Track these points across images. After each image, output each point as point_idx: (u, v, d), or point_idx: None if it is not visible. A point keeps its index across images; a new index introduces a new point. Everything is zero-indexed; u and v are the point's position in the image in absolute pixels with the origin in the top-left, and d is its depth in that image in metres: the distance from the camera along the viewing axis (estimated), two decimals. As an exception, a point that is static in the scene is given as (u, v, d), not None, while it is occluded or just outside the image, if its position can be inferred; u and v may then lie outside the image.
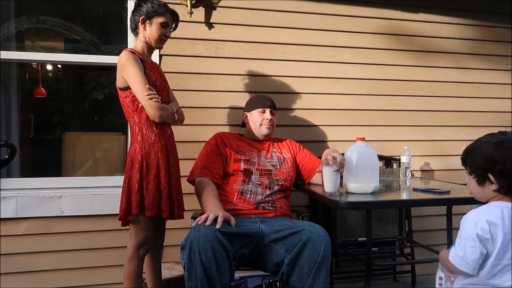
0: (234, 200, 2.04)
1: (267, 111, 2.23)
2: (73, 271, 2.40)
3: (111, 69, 2.19)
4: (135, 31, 1.95)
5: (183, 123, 2.14)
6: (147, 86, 1.79)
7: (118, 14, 2.94)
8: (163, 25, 1.91)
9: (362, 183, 1.95)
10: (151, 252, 1.96)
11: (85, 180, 2.58)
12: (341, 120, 2.81)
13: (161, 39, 1.93)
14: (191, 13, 2.48)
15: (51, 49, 3.82)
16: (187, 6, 2.47)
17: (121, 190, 1.85)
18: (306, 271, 1.71)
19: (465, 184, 1.43)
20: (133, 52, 1.86)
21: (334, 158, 1.90)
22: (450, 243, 2.29)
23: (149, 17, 1.89)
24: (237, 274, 2.27)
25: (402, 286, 2.78)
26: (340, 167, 1.91)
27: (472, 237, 1.21)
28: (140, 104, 1.82)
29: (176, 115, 1.96)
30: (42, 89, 4.14)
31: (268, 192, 2.08)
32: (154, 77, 1.90)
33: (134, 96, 1.82)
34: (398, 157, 2.69)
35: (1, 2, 2.80)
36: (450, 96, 3.01)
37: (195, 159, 2.18)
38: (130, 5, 2.20)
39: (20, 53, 2.84)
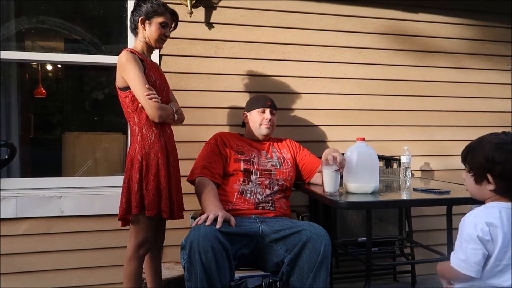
0: (234, 200, 2.04)
1: (267, 111, 2.23)
2: (73, 271, 2.40)
3: (111, 69, 2.19)
4: (135, 31, 1.95)
5: (183, 123, 2.14)
6: (146, 86, 1.79)
7: (118, 14, 2.94)
8: (163, 25, 1.91)
9: (362, 183, 1.95)
10: (151, 252, 1.96)
11: (85, 180, 2.58)
12: (341, 120, 2.81)
13: (161, 39, 1.93)
14: (191, 13, 2.48)
15: (51, 49, 3.82)
16: (187, 6, 2.47)
17: (121, 190, 1.85)
18: (306, 271, 1.71)
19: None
20: (132, 52, 1.86)
21: (334, 158, 1.90)
22: (450, 243, 2.29)
23: (148, 17, 1.89)
24: (237, 274, 2.26)
25: (402, 286, 2.78)
26: (340, 167, 1.91)
27: (473, 239, 1.21)
28: (140, 104, 1.82)
29: (176, 115, 1.96)
30: (42, 89, 4.14)
31: (268, 192, 2.08)
32: (154, 77, 1.90)
33: (134, 96, 1.82)
34: (398, 157, 2.69)
35: (1, 2, 2.80)
36: (450, 96, 3.01)
37: (195, 159, 2.18)
38: (130, 5, 2.20)
39: (20, 53, 2.84)
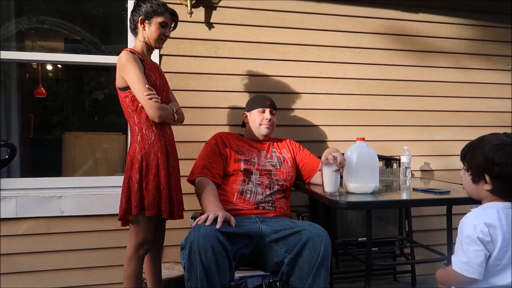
0: (234, 200, 2.04)
1: (267, 111, 2.23)
2: (73, 271, 2.40)
3: (111, 69, 2.19)
4: (135, 31, 1.95)
5: (183, 123, 2.14)
6: (146, 86, 1.79)
7: (118, 14, 2.94)
8: (162, 25, 1.91)
9: (362, 183, 1.95)
10: (151, 252, 1.96)
11: (85, 180, 2.58)
12: (341, 120, 2.81)
13: (161, 39, 1.93)
14: (191, 13, 2.48)
15: (51, 49, 3.83)
16: (187, 6, 2.47)
17: (121, 190, 1.85)
18: (306, 271, 1.71)
19: None
20: (132, 52, 1.86)
21: (335, 158, 1.91)
22: (450, 243, 2.29)
23: (148, 17, 1.89)
24: (237, 274, 2.26)
25: (402, 286, 2.78)
26: (340, 167, 1.91)
27: (474, 241, 1.20)
28: (139, 104, 1.82)
29: (176, 115, 1.96)
30: (42, 89, 4.15)
31: (268, 192, 2.08)
32: (154, 77, 1.90)
33: (133, 96, 1.82)
34: (398, 157, 2.69)
35: (1, 2, 2.80)
36: (450, 96, 3.01)
37: (195, 159, 2.18)
38: (130, 5, 2.20)
39: (20, 53, 2.84)
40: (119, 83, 1.86)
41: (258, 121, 2.22)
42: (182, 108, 2.09)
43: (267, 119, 2.22)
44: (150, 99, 1.78)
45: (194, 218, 1.83)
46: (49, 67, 4.41)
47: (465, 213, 1.30)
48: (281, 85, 2.71)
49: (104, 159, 3.60)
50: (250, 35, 2.65)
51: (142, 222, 1.85)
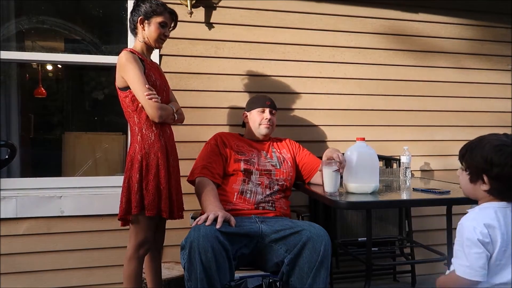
0: (234, 200, 2.04)
1: (267, 110, 2.23)
2: (73, 271, 2.40)
3: (111, 69, 2.19)
4: (134, 31, 1.95)
5: (183, 123, 2.15)
6: (146, 86, 1.79)
7: (118, 14, 2.94)
8: (162, 25, 1.91)
9: (362, 183, 1.95)
10: (151, 252, 1.96)
11: (85, 180, 2.58)
12: (341, 120, 2.81)
13: (160, 39, 1.93)
14: (191, 13, 2.48)
15: (51, 49, 3.83)
16: (187, 6, 2.47)
17: (121, 190, 1.85)
18: (306, 271, 1.71)
19: None
20: (132, 52, 1.86)
21: (339, 158, 1.91)
22: (450, 243, 2.29)
23: (147, 17, 1.89)
24: (237, 274, 2.26)
25: (402, 286, 2.78)
26: (341, 167, 1.91)
27: (475, 243, 1.20)
28: (140, 104, 1.82)
29: (176, 115, 1.96)
30: (42, 89, 4.14)
31: (268, 192, 2.08)
32: (154, 77, 1.90)
33: (133, 96, 1.82)
34: (398, 157, 2.69)
35: (1, 2, 2.80)
36: (450, 96, 3.01)
37: (195, 159, 2.18)
38: (130, 5, 2.20)
39: (20, 53, 2.84)
40: (119, 83, 1.86)
41: (258, 120, 2.23)
42: (182, 108, 2.09)
43: (266, 118, 2.22)
44: (150, 99, 1.78)
45: (194, 218, 1.83)
46: (49, 67, 4.40)
47: (465, 213, 1.30)
48: (281, 85, 2.71)
49: (104, 159, 3.59)
50: (250, 35, 2.65)
51: (142, 222, 1.85)
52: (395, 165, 2.76)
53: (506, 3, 3.04)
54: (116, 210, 1.87)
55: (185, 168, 2.16)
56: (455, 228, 1.31)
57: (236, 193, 2.05)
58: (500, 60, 3.10)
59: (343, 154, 1.98)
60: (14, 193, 2.34)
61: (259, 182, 2.09)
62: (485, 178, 1.25)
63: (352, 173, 1.94)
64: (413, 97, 2.95)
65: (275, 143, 2.31)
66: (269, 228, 1.86)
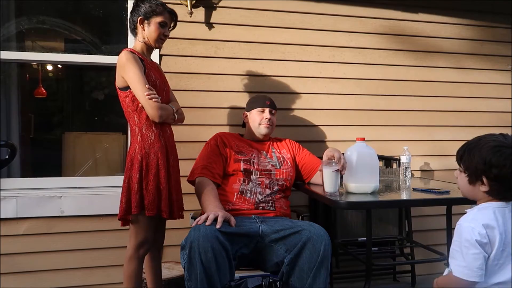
0: (234, 200, 2.04)
1: (266, 110, 2.23)
2: (73, 271, 2.40)
3: (111, 69, 2.19)
4: (134, 31, 1.95)
5: (183, 123, 2.15)
6: (147, 86, 1.79)
7: (118, 14, 2.94)
8: (162, 25, 1.91)
9: (362, 183, 1.95)
10: (151, 252, 1.96)
11: (85, 180, 2.58)
12: (341, 120, 2.81)
13: (160, 39, 1.93)
14: (191, 13, 2.48)
15: (51, 49, 3.82)
16: (187, 6, 2.47)
17: (121, 190, 1.85)
18: (306, 271, 1.71)
19: None
20: (132, 52, 1.86)
21: (339, 159, 1.91)
22: (450, 243, 2.29)
23: (147, 17, 1.89)
24: (237, 274, 2.26)
25: (402, 286, 2.78)
26: (342, 169, 1.91)
27: (473, 244, 1.20)
28: (140, 104, 1.82)
29: (176, 115, 1.96)
30: (42, 89, 4.14)
31: (268, 192, 2.08)
32: (154, 77, 1.90)
33: (134, 96, 1.82)
34: (398, 157, 2.69)
35: (1, 2, 2.80)
36: (450, 96, 3.01)
37: (195, 159, 2.18)
38: (130, 5, 2.20)
39: (20, 53, 2.84)
40: (119, 83, 1.86)
41: (258, 120, 2.23)
42: (182, 108, 2.09)
43: (266, 118, 2.22)
44: (150, 99, 1.78)
45: (194, 218, 1.83)
46: (49, 67, 4.40)
47: (464, 213, 1.30)
48: (281, 85, 2.71)
49: (104, 159, 3.59)
50: (250, 35, 2.65)
51: (142, 222, 1.85)
52: (395, 165, 2.77)
53: (506, 3, 3.05)
54: (116, 210, 1.87)
55: (185, 168, 2.16)
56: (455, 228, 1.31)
57: (236, 193, 2.05)
58: (500, 60, 3.10)
59: (342, 154, 1.98)
60: (14, 193, 2.34)
61: (259, 182, 2.09)
62: (484, 180, 1.25)
63: (352, 173, 1.95)
64: (413, 97, 2.95)
65: (275, 143, 2.31)
66: (269, 228, 1.87)
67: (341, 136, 2.77)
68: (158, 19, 1.90)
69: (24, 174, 3.13)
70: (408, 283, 2.77)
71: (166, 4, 1.96)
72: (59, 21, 3.53)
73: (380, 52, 2.88)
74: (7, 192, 2.34)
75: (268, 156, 2.22)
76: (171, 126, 2.01)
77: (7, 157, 1.58)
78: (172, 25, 2.01)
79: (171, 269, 2.34)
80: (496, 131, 1.32)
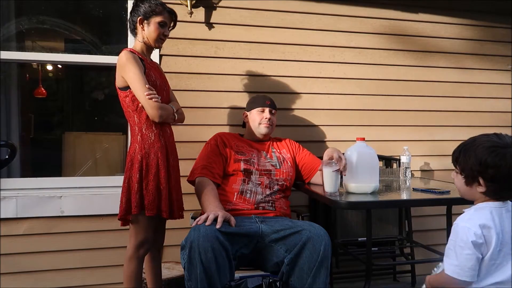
0: (234, 200, 2.04)
1: (266, 110, 2.24)
2: (73, 271, 2.40)
3: (111, 69, 2.19)
4: (134, 31, 1.95)
5: (183, 123, 2.14)
6: (147, 86, 1.79)
7: (118, 14, 2.94)
8: (161, 24, 1.91)
9: (362, 183, 1.95)
10: (151, 252, 1.96)
11: (85, 180, 2.58)
12: (341, 120, 2.81)
13: (160, 39, 1.93)
14: (191, 13, 2.48)
15: (51, 49, 3.82)
16: (187, 6, 2.47)
17: (121, 190, 1.85)
18: (306, 271, 1.71)
19: None
20: (132, 52, 1.86)
21: (340, 159, 1.91)
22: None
23: (146, 17, 1.89)
24: (237, 274, 2.26)
25: (402, 286, 2.78)
26: (344, 170, 1.91)
27: (468, 245, 1.20)
28: (140, 104, 1.82)
29: (176, 115, 1.96)
30: (42, 89, 4.14)
31: (268, 192, 2.08)
32: (154, 77, 1.90)
33: (134, 95, 1.82)
34: (398, 157, 2.69)
35: (1, 2, 2.80)
36: (450, 96, 3.01)
37: (195, 159, 2.18)
38: (130, 5, 2.21)
39: (20, 53, 2.84)
40: (119, 83, 1.86)
41: (258, 120, 2.23)
42: (182, 108, 2.08)
43: (266, 118, 2.22)
44: (151, 99, 1.78)
45: (194, 218, 1.83)
46: (49, 67, 4.40)
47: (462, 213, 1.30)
48: (281, 85, 2.71)
49: (104, 159, 3.59)
50: (250, 35, 2.65)
51: (142, 222, 1.85)
52: (395, 165, 2.76)
53: (506, 3, 3.04)
54: (116, 210, 1.87)
55: (185, 168, 2.16)
56: (455, 228, 1.31)
57: (236, 193, 2.05)
58: (500, 60, 3.10)
59: (343, 154, 1.98)
60: (14, 193, 2.34)
61: (259, 182, 2.09)
62: (481, 181, 1.25)
63: (352, 173, 1.95)
64: (413, 97, 2.95)
65: (275, 143, 2.31)
66: (269, 228, 1.87)
67: (341, 136, 2.77)
68: (158, 19, 1.90)
69: (24, 174, 3.13)
70: (408, 283, 2.77)
71: (166, 4, 1.96)
72: (59, 21, 3.52)
73: (380, 52, 2.88)
74: (7, 192, 2.34)
75: (268, 156, 2.22)
76: (171, 126, 2.01)
77: (7, 157, 1.59)
78: (171, 25, 2.01)
79: (171, 269, 2.34)
80: (497, 131, 1.32)
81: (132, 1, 1.97)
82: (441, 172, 2.93)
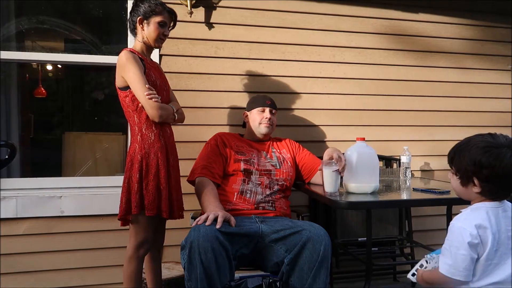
0: (234, 200, 2.04)
1: (267, 110, 2.24)
2: (73, 271, 2.40)
3: (111, 69, 2.19)
4: (134, 31, 1.95)
5: (183, 123, 2.14)
6: (147, 86, 1.79)
7: (118, 14, 2.94)
8: (161, 24, 1.91)
9: (362, 183, 1.95)
10: (151, 252, 1.96)
11: (85, 180, 2.58)
12: (341, 120, 2.81)
13: (160, 39, 1.93)
14: (191, 13, 2.48)
15: (51, 49, 3.82)
16: (187, 6, 2.47)
17: (121, 190, 1.85)
18: (306, 271, 1.71)
19: None
20: (132, 51, 1.86)
21: (340, 159, 1.91)
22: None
23: (146, 17, 1.89)
24: (237, 274, 2.26)
25: (402, 286, 2.78)
26: (342, 170, 1.91)
27: (463, 245, 1.20)
28: (140, 104, 1.82)
29: (176, 115, 1.96)
30: (42, 89, 4.14)
31: (268, 192, 2.08)
32: (154, 77, 1.90)
33: (133, 95, 1.82)
34: (398, 157, 2.69)
35: (1, 2, 2.80)
36: (450, 96, 3.01)
37: (195, 159, 2.18)
38: (130, 5, 2.21)
39: (20, 53, 2.84)
40: (119, 82, 1.86)
41: (258, 120, 2.23)
42: (182, 108, 2.08)
43: (266, 118, 2.22)
44: (150, 99, 1.78)
45: (194, 218, 1.83)
46: (49, 67, 4.40)
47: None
48: (281, 85, 2.71)
49: (104, 159, 3.59)
50: (250, 35, 2.65)
51: (142, 222, 1.85)
52: (395, 165, 2.76)
53: (506, 3, 3.04)
54: (116, 210, 1.87)
55: (185, 168, 2.16)
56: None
57: (236, 193, 2.05)
58: (500, 60, 3.10)
59: (343, 154, 1.98)
60: (14, 193, 2.34)
61: (259, 182, 2.09)
62: (476, 181, 1.25)
63: (352, 173, 1.94)
64: (413, 97, 2.95)
65: (275, 143, 2.31)
66: (269, 228, 1.86)
67: (341, 136, 2.77)
68: (158, 18, 1.90)
69: (24, 174, 3.13)
70: (408, 283, 2.76)
71: (166, 4, 1.96)
72: (59, 21, 3.52)
73: (380, 52, 2.88)
74: (7, 192, 2.34)
75: (268, 156, 2.22)
76: (171, 126, 2.01)
77: (7, 157, 1.58)
78: (171, 24, 2.00)
79: (171, 269, 2.34)
80: (496, 131, 1.32)
81: (132, 1, 1.97)
82: (441, 172, 2.93)
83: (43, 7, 3.39)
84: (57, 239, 2.38)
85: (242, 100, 2.56)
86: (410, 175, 2.53)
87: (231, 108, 2.62)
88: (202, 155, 2.16)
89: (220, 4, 2.59)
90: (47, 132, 4.58)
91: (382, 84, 2.89)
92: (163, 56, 2.51)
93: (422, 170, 2.95)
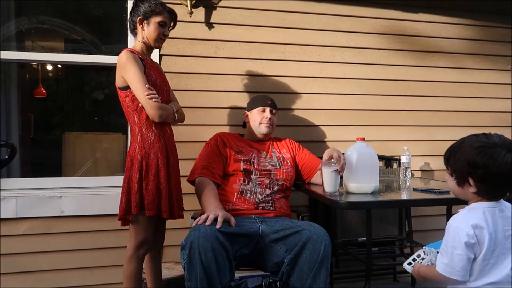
0: (234, 200, 2.04)
1: (267, 110, 2.24)
2: (73, 271, 2.40)
3: (111, 69, 2.19)
4: (134, 31, 1.95)
5: (183, 123, 2.14)
6: (147, 86, 1.79)
7: (118, 14, 2.94)
8: (161, 24, 1.91)
9: (362, 183, 1.95)
10: (151, 252, 1.96)
11: (85, 180, 2.58)
12: (341, 120, 2.81)
13: (160, 39, 1.93)
14: (191, 13, 2.48)
15: (51, 49, 3.82)
16: (187, 6, 2.47)
17: (121, 190, 1.85)
18: (306, 271, 1.71)
19: None
20: (132, 51, 1.86)
21: (339, 159, 1.91)
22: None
23: (146, 17, 1.89)
24: (237, 274, 2.26)
25: (402, 286, 2.78)
26: (341, 170, 1.91)
27: (460, 245, 1.21)
28: (140, 104, 1.82)
29: (176, 115, 1.96)
30: (42, 89, 4.14)
31: (268, 192, 2.08)
32: (154, 77, 1.90)
33: (134, 95, 1.82)
34: (398, 157, 2.69)
35: (1, 2, 2.80)
36: (450, 96, 3.01)
37: (195, 159, 2.18)
38: (130, 5, 2.21)
39: (20, 53, 2.84)
40: (119, 82, 1.86)
41: (258, 120, 2.23)
42: (182, 108, 2.08)
43: (267, 117, 2.22)
44: (151, 99, 1.78)
45: (194, 218, 1.83)
46: (49, 67, 4.40)
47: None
48: (281, 85, 2.71)
49: (104, 159, 3.59)
50: (250, 35, 2.65)
51: (142, 222, 1.85)
52: (395, 165, 2.76)
53: (506, 3, 3.04)
54: (116, 210, 1.87)
55: (185, 168, 2.16)
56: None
57: (236, 193, 2.05)
58: (500, 60, 3.10)
59: (342, 154, 1.98)
60: (14, 193, 2.34)
61: (259, 182, 2.09)
62: (471, 181, 1.25)
63: (352, 173, 1.94)
64: (413, 97, 2.95)
65: (275, 143, 2.31)
66: (269, 228, 1.87)
67: (341, 136, 2.77)
68: (158, 18, 1.90)
69: (24, 174, 3.13)
70: (408, 283, 2.77)
71: (166, 4, 1.96)
72: (59, 21, 3.52)
73: (380, 52, 2.88)
74: (7, 192, 2.34)
75: (268, 156, 2.22)
76: (171, 126, 2.01)
77: (7, 157, 1.59)
78: (171, 24, 2.00)
79: (171, 269, 2.34)
80: (496, 131, 1.32)
81: (132, 1, 1.97)
82: (441, 172, 2.93)
83: (43, 7, 3.39)
84: (57, 239, 2.38)
85: (242, 100, 2.56)
86: (410, 175, 2.53)
87: (231, 108, 2.62)
88: (202, 155, 2.16)
89: (220, 4, 2.59)
90: (47, 132, 4.58)
91: (382, 84, 2.89)
92: (163, 56, 2.51)
93: (422, 170, 2.95)
